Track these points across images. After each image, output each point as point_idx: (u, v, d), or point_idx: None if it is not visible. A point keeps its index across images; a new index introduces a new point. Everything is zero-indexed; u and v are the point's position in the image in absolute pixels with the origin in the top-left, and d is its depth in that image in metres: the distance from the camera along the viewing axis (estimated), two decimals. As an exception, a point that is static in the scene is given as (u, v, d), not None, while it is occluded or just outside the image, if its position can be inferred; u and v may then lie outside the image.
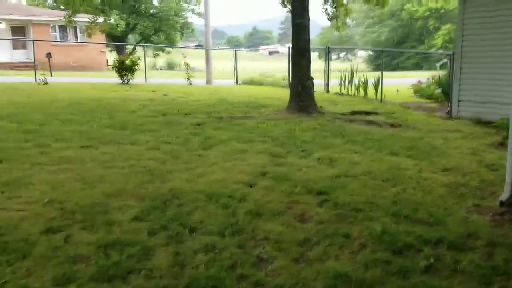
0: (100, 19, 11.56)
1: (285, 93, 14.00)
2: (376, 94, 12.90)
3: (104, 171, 5.15)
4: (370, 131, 7.97)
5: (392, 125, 8.66)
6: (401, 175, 5.38)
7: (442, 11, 63.28)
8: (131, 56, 15.91)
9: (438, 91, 12.82)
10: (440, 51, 49.94)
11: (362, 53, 79.83)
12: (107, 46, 47.78)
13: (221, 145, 6.60)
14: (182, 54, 18.14)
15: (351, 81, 13.92)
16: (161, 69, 46.54)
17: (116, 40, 47.39)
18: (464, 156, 6.48)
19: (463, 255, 3.30)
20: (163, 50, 50.19)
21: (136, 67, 15.32)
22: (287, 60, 16.82)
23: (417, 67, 63.58)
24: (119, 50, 46.61)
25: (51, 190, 4.52)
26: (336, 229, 3.68)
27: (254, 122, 8.46)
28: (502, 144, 6.91)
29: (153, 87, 14.77)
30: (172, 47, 49.88)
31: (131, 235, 3.54)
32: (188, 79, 17.08)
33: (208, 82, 20.10)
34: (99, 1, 12.49)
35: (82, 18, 12.26)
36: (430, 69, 54.82)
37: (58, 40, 33.80)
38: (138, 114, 9.14)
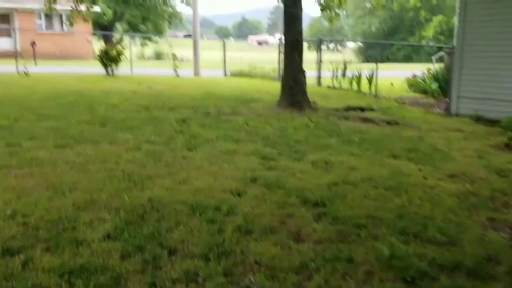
0: (82, 7, 10.92)
1: (276, 87, 13.51)
2: (370, 88, 12.45)
3: (77, 176, 4.63)
4: (367, 129, 7.51)
5: (389, 123, 8.22)
6: (404, 182, 4.93)
7: (434, 2, 62.98)
8: (116, 46, 15.26)
9: (435, 86, 12.41)
10: (438, 44, 49.50)
11: (351, 44, 79.32)
12: (94, 35, 46.85)
13: (208, 145, 6.10)
14: (169, 44, 17.49)
15: (344, 74, 13.44)
16: (148, 59, 45.70)
17: (103, 28, 46.41)
18: (469, 159, 6.06)
19: (485, 285, 2.86)
20: (150, 40, 49.29)
21: (121, 57, 14.69)
22: (276, 50, 16.31)
23: (408, 59, 63.41)
24: (107, 39, 45.69)
25: (16, 199, 4.00)
26: (337, 251, 3.22)
27: (243, 118, 7.96)
28: (508, 146, 6.51)
29: (138, 79, 14.19)
30: (160, 37, 49.05)
31: (101, 258, 3.04)
32: (175, 70, 16.48)
33: (196, 73, 19.50)
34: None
35: (65, 6, 11.61)
36: (421, 61, 54.63)
37: (44, 28, 32.88)
38: (120, 108, 8.59)
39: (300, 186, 4.63)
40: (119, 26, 55.51)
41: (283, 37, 9.35)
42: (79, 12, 10.85)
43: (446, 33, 63.22)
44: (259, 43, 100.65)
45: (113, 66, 14.71)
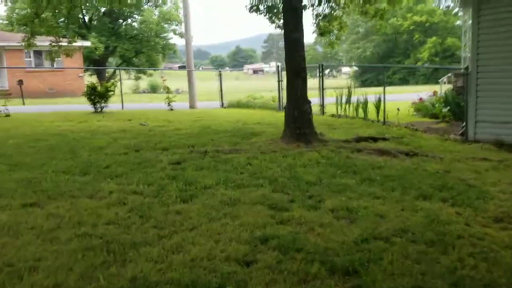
0: (64, 42, 10.14)
1: (277, 117, 12.71)
2: (377, 115, 11.62)
3: (42, 248, 3.69)
4: (386, 163, 6.62)
5: (407, 155, 7.34)
6: (446, 233, 4.04)
7: (427, 24, 63.11)
8: (104, 82, 14.48)
9: (446, 110, 11.59)
10: (447, 66, 49.05)
11: (347, 69, 79.23)
12: (86, 70, 46.38)
13: (206, 193, 5.19)
14: (162, 77, 16.75)
15: (348, 101, 12.62)
16: (144, 92, 45.06)
17: (96, 63, 45.95)
18: (509, 196, 5.18)
19: None
20: (145, 73, 48.81)
21: (110, 93, 13.87)
22: (272, 78, 15.58)
23: (404, 82, 63.09)
24: (100, 74, 45.17)
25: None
26: None
27: (245, 157, 7.07)
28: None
29: (129, 115, 13.34)
30: (154, 70, 48.56)
31: None
32: (169, 104, 15.64)
33: (192, 105, 18.71)
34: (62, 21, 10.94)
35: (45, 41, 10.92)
36: (417, 83, 54.28)
37: (33, 65, 32.31)
38: (106, 151, 7.69)
39: (323, 246, 3.72)
40: (112, 60, 55.33)
41: (285, 64, 8.54)
42: (60, 47, 10.05)
43: (441, 55, 63.22)
44: (255, 71, 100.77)
45: (102, 102, 13.86)
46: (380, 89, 12.63)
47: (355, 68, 76.32)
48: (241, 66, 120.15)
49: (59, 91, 31.11)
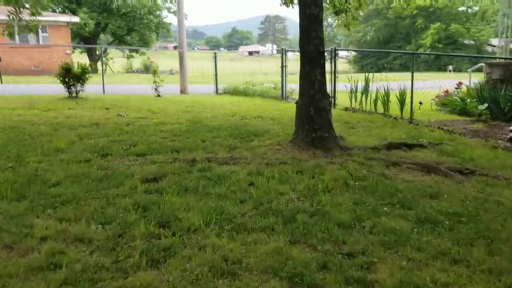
0: (25, 15, 8.16)
1: (281, 109, 10.85)
2: (402, 112, 9.78)
3: None
4: (440, 189, 4.81)
5: (462, 173, 5.55)
6: None
7: (431, 9, 60.94)
8: (80, 62, 12.50)
9: (483, 107, 9.77)
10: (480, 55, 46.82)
11: (344, 53, 76.89)
12: (76, 48, 44.04)
13: (188, 247, 3.36)
14: (148, 58, 14.76)
15: (366, 93, 10.75)
16: (137, 72, 42.82)
17: (86, 40, 43.55)
18: None
19: None
20: (137, 52, 46.46)
21: (87, 75, 11.89)
22: (268, 60, 13.66)
23: (404, 68, 61.08)
24: (90, 52, 42.83)
25: None
26: None
27: (245, 171, 5.25)
28: None
29: (109, 102, 11.41)
30: (147, 49, 46.22)
31: None
32: (156, 89, 13.67)
33: (183, 90, 16.74)
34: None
35: (44, 16, 8.99)
36: (418, 70, 52.33)
37: (18, 41, 30.15)
38: (63, 156, 5.83)
39: None
40: (103, 37, 52.85)
41: (299, 48, 6.65)
42: (20, 20, 8.09)
43: (444, 41, 61.21)
44: (250, 53, 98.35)
45: (78, 85, 11.91)
46: (384, 75, 10.71)
47: (353, 53, 74.11)
48: (236, 47, 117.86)
49: (44, 69, 29.04)
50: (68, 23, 32.41)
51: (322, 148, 6.28)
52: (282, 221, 3.85)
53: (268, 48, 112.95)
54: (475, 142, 7.60)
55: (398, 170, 5.57)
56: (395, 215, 4.05)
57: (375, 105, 10.41)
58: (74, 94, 12.00)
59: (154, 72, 13.64)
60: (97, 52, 45.35)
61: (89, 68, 12.13)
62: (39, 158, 5.71)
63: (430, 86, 13.52)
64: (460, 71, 44.97)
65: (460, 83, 13.22)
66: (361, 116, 9.98)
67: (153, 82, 13.56)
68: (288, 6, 10.40)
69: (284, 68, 13.70)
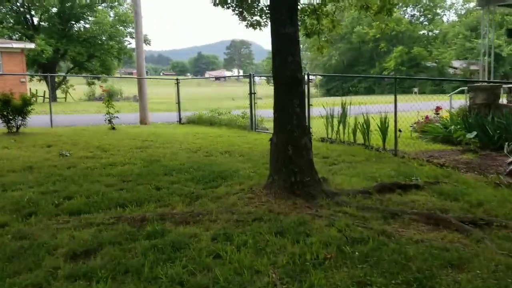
0: None
1: (250, 142, 9.71)
2: (384, 142, 8.82)
3: None
4: (460, 254, 3.72)
5: (476, 224, 4.50)
6: None
7: (393, 33, 61.74)
8: (22, 93, 11.09)
9: (472, 136, 8.89)
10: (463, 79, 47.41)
11: (311, 77, 77.14)
12: (33, 76, 42.16)
13: None
14: (100, 86, 13.50)
15: (343, 121, 9.75)
16: (100, 99, 41.14)
17: (45, 68, 41.63)
18: None
19: None
20: (98, 79, 44.77)
21: (29, 108, 10.49)
22: (236, 84, 12.60)
23: (369, 91, 61.29)
24: (48, 80, 40.89)
25: None
26: None
27: (209, 235, 4.05)
28: None
29: (54, 137, 10.02)
30: (108, 77, 44.63)
31: None
32: (110, 121, 12.33)
33: (143, 120, 15.43)
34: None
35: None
36: (383, 93, 52.44)
37: (-32, 69, 28.32)
38: (-29, 218, 4.49)
39: None
40: (63, 64, 50.99)
41: (272, 74, 5.55)
42: None
43: (407, 64, 61.95)
44: (217, 78, 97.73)
45: (19, 119, 10.49)
46: (349, 99, 9.80)
47: (319, 76, 74.39)
48: (202, 73, 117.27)
49: (-5, 98, 27.10)
50: (23, 49, 30.67)
51: (304, 195, 5.15)
52: (262, 326, 2.66)
53: (234, 72, 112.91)
54: (473, 179, 6.63)
55: (400, 225, 4.48)
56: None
57: (354, 135, 9.42)
58: (14, 129, 10.56)
59: (108, 102, 12.29)
60: (56, 80, 43.57)
61: (34, 99, 10.75)
62: None
63: (402, 109, 12.68)
64: (424, 93, 45.26)
65: (439, 108, 12.45)
66: (340, 148, 8.94)
67: (106, 113, 12.23)
68: (255, 29, 9.44)
69: (252, 95, 12.64)
